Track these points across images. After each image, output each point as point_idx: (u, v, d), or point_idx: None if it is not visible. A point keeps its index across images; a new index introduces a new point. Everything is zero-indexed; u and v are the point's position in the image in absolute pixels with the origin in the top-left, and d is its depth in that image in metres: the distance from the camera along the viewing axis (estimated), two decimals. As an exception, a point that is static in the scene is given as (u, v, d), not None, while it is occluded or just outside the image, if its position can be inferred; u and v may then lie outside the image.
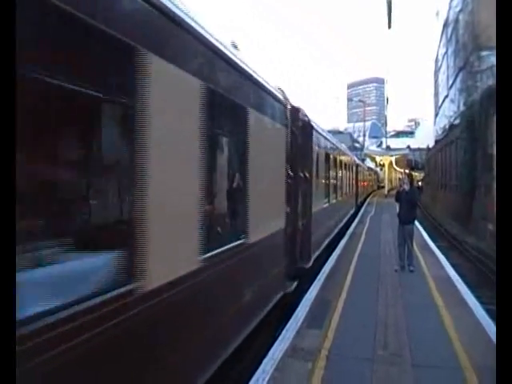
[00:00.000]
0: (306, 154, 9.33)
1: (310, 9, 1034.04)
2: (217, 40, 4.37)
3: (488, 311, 7.17)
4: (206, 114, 3.94)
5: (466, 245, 17.44)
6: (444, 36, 34.09)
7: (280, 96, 7.23)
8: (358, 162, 30.85)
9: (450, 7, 30.11)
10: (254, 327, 5.56)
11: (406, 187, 10.56)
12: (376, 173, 61.93)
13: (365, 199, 37.38)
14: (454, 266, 11.22)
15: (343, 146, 20.83)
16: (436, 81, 41.98)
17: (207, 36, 4.12)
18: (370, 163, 59.32)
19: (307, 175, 9.26)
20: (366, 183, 40.78)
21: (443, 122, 34.42)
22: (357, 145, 74.96)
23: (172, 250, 3.44)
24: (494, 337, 5.96)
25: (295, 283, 7.94)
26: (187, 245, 3.76)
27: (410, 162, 66.93)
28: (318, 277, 9.57)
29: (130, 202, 2.93)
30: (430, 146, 45.20)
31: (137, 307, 2.86)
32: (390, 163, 52.56)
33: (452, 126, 29.15)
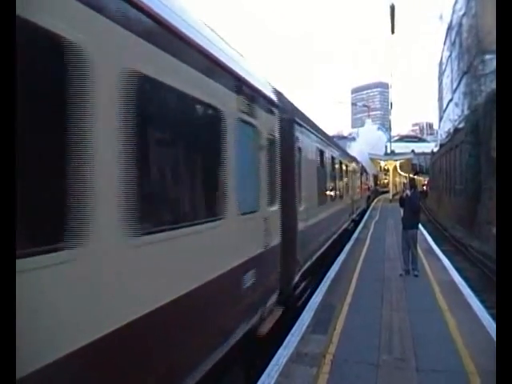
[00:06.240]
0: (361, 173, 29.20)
1: (316, 13, 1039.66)
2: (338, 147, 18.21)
3: (493, 315, 7.12)
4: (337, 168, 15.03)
5: (470, 249, 17.36)
6: (448, 40, 34.11)
7: (358, 161, 28.88)
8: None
9: (453, 11, 30.15)
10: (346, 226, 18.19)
11: (409, 192, 10.54)
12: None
13: None
14: (458, 270, 11.17)
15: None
16: (440, 85, 41.95)
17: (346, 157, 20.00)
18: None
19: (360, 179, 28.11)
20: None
21: (447, 126, 34.40)
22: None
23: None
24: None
25: (358, 217, 23.70)
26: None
27: (414, 166, 66.80)
28: (324, 281, 9.61)
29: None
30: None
31: None
32: (395, 168, 52.48)
33: (456, 130, 29.11)
